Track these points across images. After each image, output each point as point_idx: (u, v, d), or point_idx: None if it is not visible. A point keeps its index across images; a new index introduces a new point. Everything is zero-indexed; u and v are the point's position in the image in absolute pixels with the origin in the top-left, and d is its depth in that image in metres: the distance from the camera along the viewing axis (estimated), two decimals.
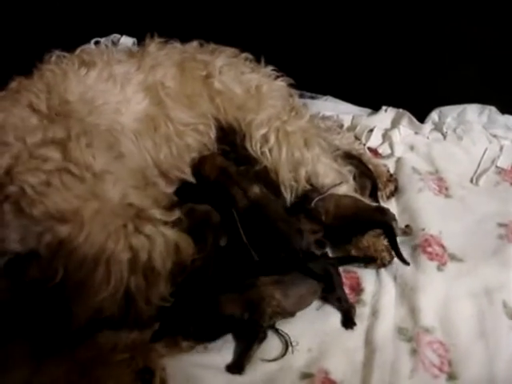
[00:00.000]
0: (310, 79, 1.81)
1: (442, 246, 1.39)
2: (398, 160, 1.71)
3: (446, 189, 1.60)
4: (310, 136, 1.46)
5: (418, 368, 1.14)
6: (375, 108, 1.87)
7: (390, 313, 1.25)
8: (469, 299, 1.27)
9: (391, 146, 1.75)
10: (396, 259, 1.33)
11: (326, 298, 1.25)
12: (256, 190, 1.32)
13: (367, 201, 1.43)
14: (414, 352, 1.17)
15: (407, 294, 1.28)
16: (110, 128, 1.25)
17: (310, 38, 1.81)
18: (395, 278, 1.32)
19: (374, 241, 1.33)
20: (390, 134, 1.77)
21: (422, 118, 1.82)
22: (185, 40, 1.55)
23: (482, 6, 1.62)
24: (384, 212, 1.36)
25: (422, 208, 1.50)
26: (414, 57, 1.77)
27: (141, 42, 1.53)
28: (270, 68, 1.58)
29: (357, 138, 1.76)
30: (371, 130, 1.79)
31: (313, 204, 1.36)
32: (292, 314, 1.20)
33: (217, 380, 1.11)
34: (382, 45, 1.77)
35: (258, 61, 1.59)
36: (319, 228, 1.33)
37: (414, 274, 1.32)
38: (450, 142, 1.76)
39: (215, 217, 1.25)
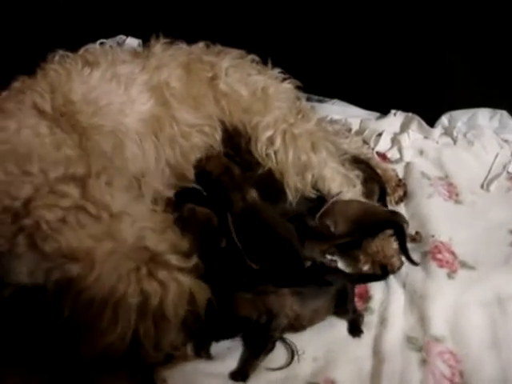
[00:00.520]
0: (318, 82, 1.79)
1: (453, 253, 1.37)
2: (407, 165, 1.68)
3: (457, 194, 1.58)
4: (318, 139, 1.44)
5: (428, 379, 1.11)
6: (384, 112, 1.85)
7: (399, 321, 1.22)
8: (480, 308, 1.24)
9: (400, 151, 1.72)
10: (405, 267, 1.31)
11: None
12: (254, 194, 1.31)
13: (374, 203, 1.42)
14: (424, 362, 1.14)
15: (417, 302, 1.25)
16: (114, 129, 1.25)
17: (317, 40, 1.80)
18: (404, 285, 1.30)
19: (383, 246, 1.31)
20: (398, 139, 1.75)
21: (431, 122, 1.79)
22: (191, 42, 1.53)
23: (493, 9, 1.60)
24: (394, 212, 1.34)
25: (432, 214, 1.48)
26: (423, 60, 1.74)
27: (146, 43, 1.52)
28: (277, 70, 1.56)
29: (365, 142, 1.74)
30: (380, 134, 1.77)
31: (316, 221, 1.33)
32: (304, 328, 1.17)
33: None
34: (392, 47, 1.75)
35: (264, 63, 1.57)
36: (328, 245, 1.31)
37: (423, 281, 1.29)
38: (461, 146, 1.73)
39: (215, 219, 1.24)
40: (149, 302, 0.93)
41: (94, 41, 1.69)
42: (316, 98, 1.85)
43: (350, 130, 1.76)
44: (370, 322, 1.22)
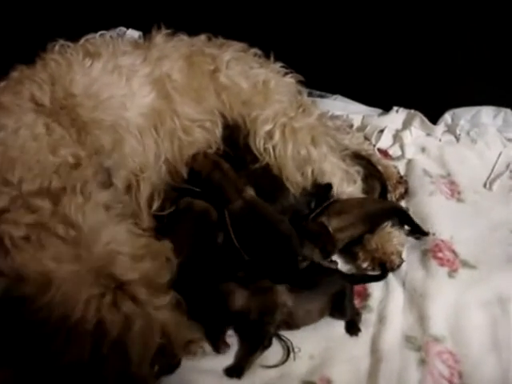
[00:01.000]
0: (320, 77, 1.78)
1: (454, 252, 1.36)
2: (409, 162, 1.67)
3: (459, 193, 1.56)
4: (318, 134, 1.42)
5: (427, 379, 1.10)
6: (386, 108, 1.83)
7: (398, 320, 1.21)
8: (481, 308, 1.24)
9: (402, 148, 1.71)
10: (404, 265, 1.30)
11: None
12: (251, 191, 1.29)
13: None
14: (423, 362, 1.13)
15: (416, 301, 1.24)
16: (114, 124, 1.23)
17: (320, 35, 1.78)
18: (404, 284, 1.29)
19: (382, 243, 1.30)
20: (400, 135, 1.73)
21: (434, 119, 1.78)
22: (192, 34, 1.51)
23: (497, 7, 1.59)
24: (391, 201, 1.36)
25: (433, 212, 1.47)
26: (427, 56, 1.73)
27: (147, 35, 1.50)
28: (279, 64, 1.54)
29: (366, 138, 1.72)
30: (382, 131, 1.76)
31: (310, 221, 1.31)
32: (298, 327, 1.16)
33: None
34: (395, 44, 1.73)
35: (267, 57, 1.55)
36: (329, 246, 1.29)
37: (423, 279, 1.29)
38: (463, 145, 1.72)
39: (213, 213, 1.23)
40: (107, 332, 0.88)
41: (93, 32, 1.68)
42: (318, 93, 1.84)
43: (351, 125, 1.74)
44: (368, 320, 1.21)
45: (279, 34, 1.77)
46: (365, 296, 1.26)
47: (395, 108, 1.81)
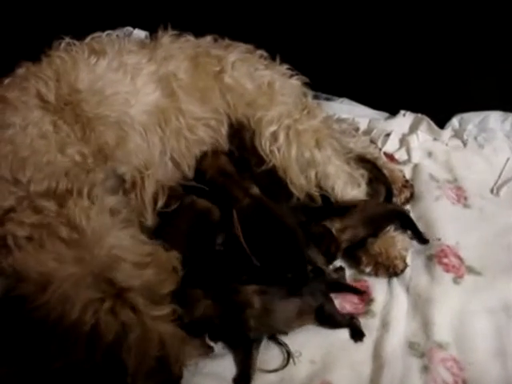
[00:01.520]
0: (326, 80, 1.77)
1: (459, 258, 1.35)
2: (415, 166, 1.65)
3: (465, 198, 1.55)
4: (323, 136, 1.41)
5: None
6: (393, 112, 1.82)
7: (401, 325, 1.20)
8: (486, 315, 1.22)
9: (408, 152, 1.69)
10: (409, 270, 1.29)
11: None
12: (256, 190, 1.29)
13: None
14: (426, 369, 1.12)
15: (420, 307, 1.23)
16: (119, 120, 1.23)
17: (327, 38, 1.78)
18: (408, 289, 1.27)
19: (386, 247, 1.29)
20: (407, 139, 1.72)
21: (441, 124, 1.76)
22: (198, 35, 1.52)
23: (506, 11, 1.58)
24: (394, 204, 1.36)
25: (439, 217, 1.45)
26: (435, 60, 1.72)
27: (153, 35, 1.50)
28: (284, 66, 1.53)
29: (372, 142, 1.71)
30: (388, 135, 1.74)
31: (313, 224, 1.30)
32: (282, 332, 1.14)
33: None
34: (403, 47, 1.73)
35: (273, 59, 1.54)
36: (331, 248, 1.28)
37: (428, 285, 1.27)
38: (471, 150, 1.70)
39: (215, 213, 1.22)
40: (102, 337, 0.87)
41: (100, 31, 1.68)
42: (324, 96, 1.83)
43: (357, 129, 1.72)
44: (370, 325, 1.20)
45: (286, 36, 1.76)
46: (368, 301, 1.25)
47: (402, 112, 1.80)
